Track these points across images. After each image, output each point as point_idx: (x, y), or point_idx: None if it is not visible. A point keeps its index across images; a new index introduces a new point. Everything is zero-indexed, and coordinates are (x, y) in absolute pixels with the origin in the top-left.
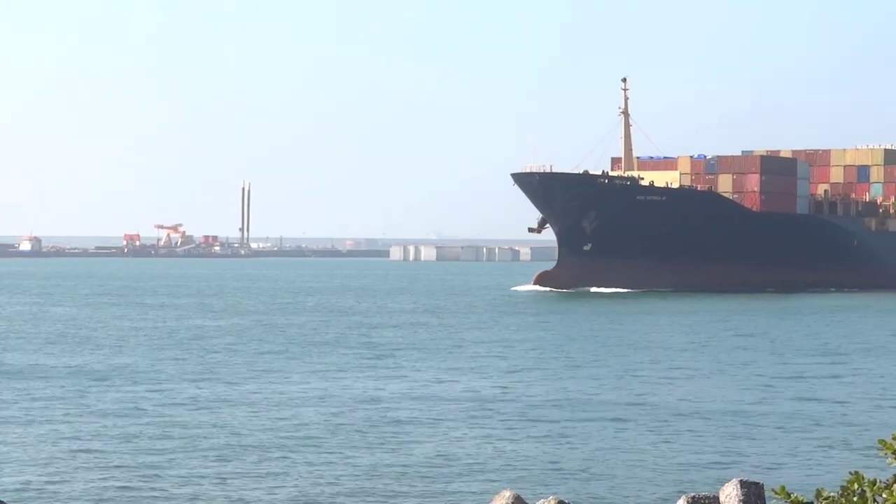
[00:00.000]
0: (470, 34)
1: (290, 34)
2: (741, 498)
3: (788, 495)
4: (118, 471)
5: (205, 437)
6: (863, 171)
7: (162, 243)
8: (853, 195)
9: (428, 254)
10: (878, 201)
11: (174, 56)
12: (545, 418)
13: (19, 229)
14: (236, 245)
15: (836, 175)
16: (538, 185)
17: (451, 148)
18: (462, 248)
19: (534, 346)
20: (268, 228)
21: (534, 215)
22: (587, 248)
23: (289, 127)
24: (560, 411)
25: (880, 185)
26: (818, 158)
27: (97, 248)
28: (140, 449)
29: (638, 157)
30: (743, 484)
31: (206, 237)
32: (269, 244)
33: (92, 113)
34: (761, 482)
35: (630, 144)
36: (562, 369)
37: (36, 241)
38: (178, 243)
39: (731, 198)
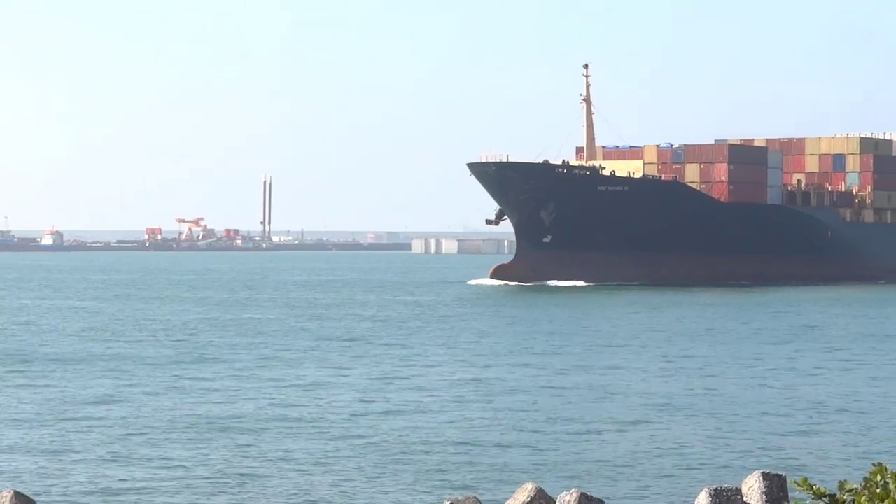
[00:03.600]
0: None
1: (307, 30)
2: (763, 490)
3: (811, 487)
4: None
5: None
6: (838, 160)
7: (183, 237)
8: (828, 185)
9: (449, 247)
10: (854, 191)
11: (191, 52)
12: (563, 411)
13: (41, 223)
14: (258, 238)
15: (812, 164)
16: (494, 175)
17: (468, 141)
18: (483, 240)
19: (534, 338)
20: (289, 222)
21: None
22: (547, 240)
23: (310, 120)
24: (578, 403)
25: (856, 174)
26: (793, 147)
27: (119, 241)
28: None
29: (603, 147)
30: (765, 476)
31: (228, 231)
32: (290, 237)
33: (110, 108)
34: (783, 474)
35: (592, 133)
36: (566, 362)
37: (58, 234)
38: (200, 237)
39: (698, 188)
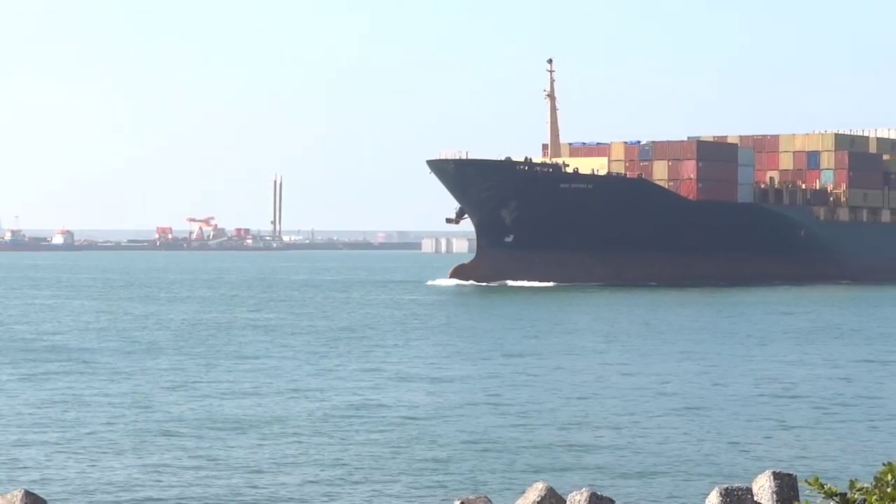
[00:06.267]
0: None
1: (319, 30)
2: (774, 490)
3: (822, 486)
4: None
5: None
6: (813, 157)
7: (194, 236)
8: (803, 183)
9: (460, 246)
10: (829, 189)
11: (204, 51)
12: (572, 410)
13: (52, 223)
14: (268, 238)
15: (786, 161)
16: (454, 173)
17: (477, 141)
18: None
19: (536, 337)
20: (299, 221)
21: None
22: (509, 239)
23: (320, 120)
24: (587, 403)
25: (831, 171)
26: (766, 144)
27: (129, 241)
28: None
29: (570, 144)
30: (776, 475)
31: (238, 230)
32: (300, 237)
33: (123, 107)
34: (794, 474)
35: (557, 129)
36: (585, 358)
37: (68, 234)
38: (210, 236)
39: (666, 186)
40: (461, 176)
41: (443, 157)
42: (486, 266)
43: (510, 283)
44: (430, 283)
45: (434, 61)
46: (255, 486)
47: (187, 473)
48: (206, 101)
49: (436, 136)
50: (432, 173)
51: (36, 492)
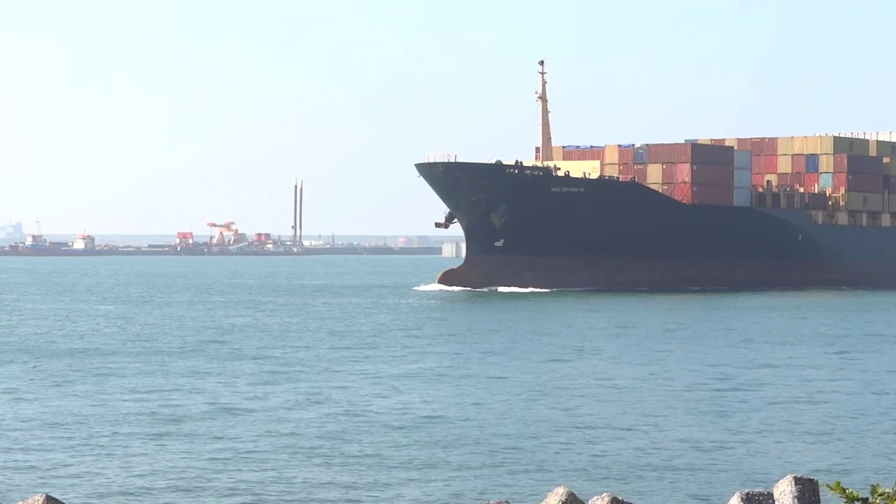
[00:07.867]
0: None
1: (335, 38)
2: (796, 495)
3: (844, 491)
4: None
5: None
6: (811, 161)
7: (215, 241)
8: (801, 186)
9: None
10: (828, 192)
11: (223, 59)
12: (592, 415)
13: (73, 228)
14: (289, 243)
15: (784, 165)
16: (442, 176)
17: (487, 144)
18: None
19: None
20: (320, 226)
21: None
22: (499, 244)
23: (341, 124)
24: (606, 407)
25: (830, 175)
26: (765, 147)
27: (150, 246)
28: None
29: (564, 147)
30: (797, 480)
31: (259, 235)
32: (321, 242)
33: (140, 113)
34: (816, 479)
35: (549, 132)
36: (599, 362)
37: (89, 239)
38: (231, 241)
39: (660, 189)
40: (450, 179)
41: (431, 161)
42: (476, 271)
43: (501, 289)
44: (416, 288)
45: (430, 62)
46: (275, 488)
47: (208, 478)
48: (226, 108)
49: (452, 140)
50: (421, 177)
51: (57, 497)
